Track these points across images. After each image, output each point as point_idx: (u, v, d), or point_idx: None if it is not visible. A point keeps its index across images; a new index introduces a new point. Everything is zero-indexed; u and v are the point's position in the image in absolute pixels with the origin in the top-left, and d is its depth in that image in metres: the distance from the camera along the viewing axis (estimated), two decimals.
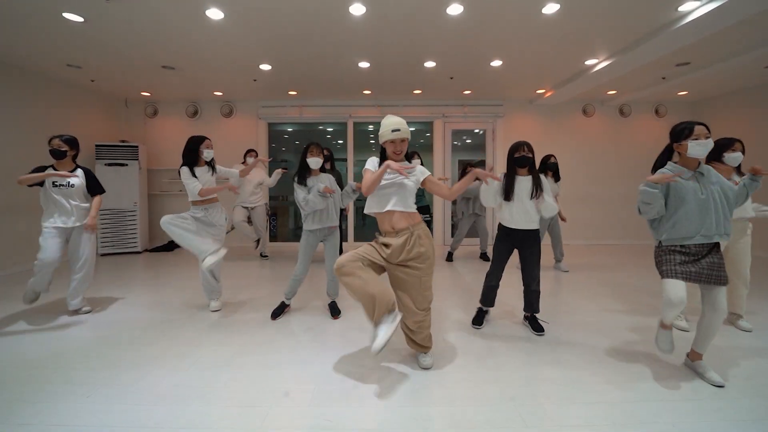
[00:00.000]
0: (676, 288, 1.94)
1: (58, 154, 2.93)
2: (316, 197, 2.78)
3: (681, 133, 2.02)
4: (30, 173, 2.81)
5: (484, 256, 5.26)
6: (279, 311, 3.01)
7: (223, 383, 2.03)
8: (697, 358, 2.11)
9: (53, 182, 2.88)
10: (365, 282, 1.89)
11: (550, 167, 4.34)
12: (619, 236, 6.60)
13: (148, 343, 2.54)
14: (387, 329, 1.81)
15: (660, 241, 2.07)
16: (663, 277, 2.02)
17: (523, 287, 2.74)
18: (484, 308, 2.88)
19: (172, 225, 2.93)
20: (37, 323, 2.88)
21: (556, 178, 4.42)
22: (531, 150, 2.60)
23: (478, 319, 2.84)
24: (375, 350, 1.78)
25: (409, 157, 2.22)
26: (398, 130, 2.01)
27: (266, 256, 5.50)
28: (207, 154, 3.06)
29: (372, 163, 2.14)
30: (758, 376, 2.09)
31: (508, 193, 2.60)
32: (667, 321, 2.05)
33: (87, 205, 3.05)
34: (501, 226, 2.74)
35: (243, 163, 5.15)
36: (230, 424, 1.69)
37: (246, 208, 5.20)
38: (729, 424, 1.68)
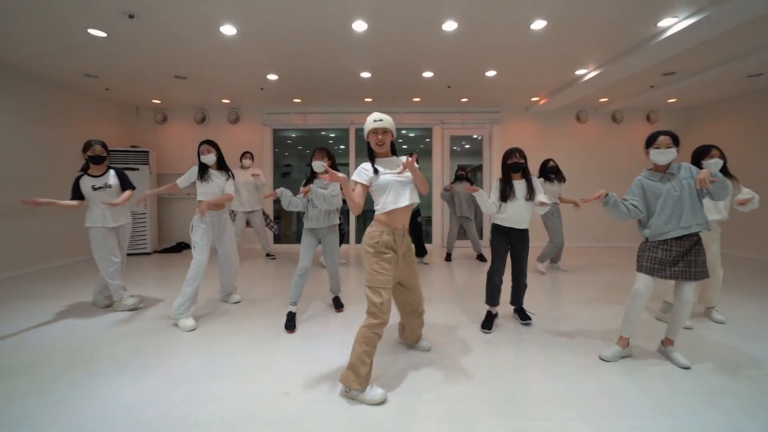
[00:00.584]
0: (646, 281, 2.24)
1: (99, 160, 3.09)
2: (299, 199, 3.00)
3: (647, 142, 2.26)
4: (71, 191, 3.10)
5: (480, 257, 5.48)
6: (292, 323, 2.85)
7: (239, 367, 2.25)
8: (669, 344, 2.33)
9: (92, 186, 3.08)
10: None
11: (551, 170, 4.55)
12: (612, 239, 6.82)
13: (166, 333, 2.76)
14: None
15: (647, 238, 2.29)
16: (639, 270, 2.29)
17: (511, 282, 2.95)
18: (493, 311, 2.92)
19: (200, 255, 2.99)
20: (64, 317, 3.11)
21: (560, 179, 4.59)
22: (523, 156, 2.81)
23: (488, 323, 2.83)
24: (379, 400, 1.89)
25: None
26: (380, 120, 2.11)
27: (273, 257, 5.72)
28: (204, 159, 3.11)
29: (359, 174, 2.09)
30: (721, 359, 2.32)
31: (505, 195, 2.79)
32: (626, 331, 2.35)
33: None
34: (496, 226, 2.90)
35: (241, 166, 5.31)
36: (249, 398, 1.91)
37: (246, 213, 5.29)
38: (691, 398, 1.89)
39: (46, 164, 4.91)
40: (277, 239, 7.13)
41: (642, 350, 2.45)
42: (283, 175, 7.92)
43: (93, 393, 1.95)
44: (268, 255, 5.74)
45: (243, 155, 5.34)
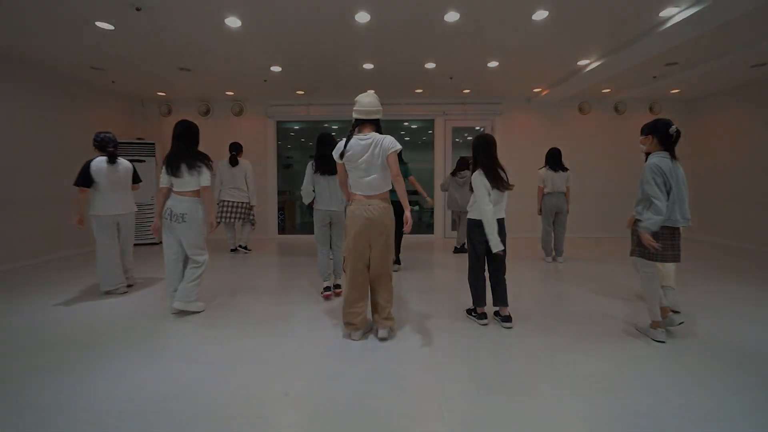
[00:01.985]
0: None
1: None
2: None
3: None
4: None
5: (458, 250, 5.38)
6: (328, 290, 3.29)
7: (247, 345, 2.36)
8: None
9: None
10: None
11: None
12: (613, 229, 6.83)
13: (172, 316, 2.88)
14: None
15: None
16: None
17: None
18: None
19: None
20: (74, 303, 3.22)
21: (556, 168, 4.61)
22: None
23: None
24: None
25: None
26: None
27: (236, 250, 5.63)
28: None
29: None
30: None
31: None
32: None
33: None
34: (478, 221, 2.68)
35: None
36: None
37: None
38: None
39: (54, 156, 5.00)
40: (281, 230, 7.23)
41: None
42: (285, 167, 7.98)
43: (103, 371, 2.05)
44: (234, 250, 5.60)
45: (232, 147, 5.15)
